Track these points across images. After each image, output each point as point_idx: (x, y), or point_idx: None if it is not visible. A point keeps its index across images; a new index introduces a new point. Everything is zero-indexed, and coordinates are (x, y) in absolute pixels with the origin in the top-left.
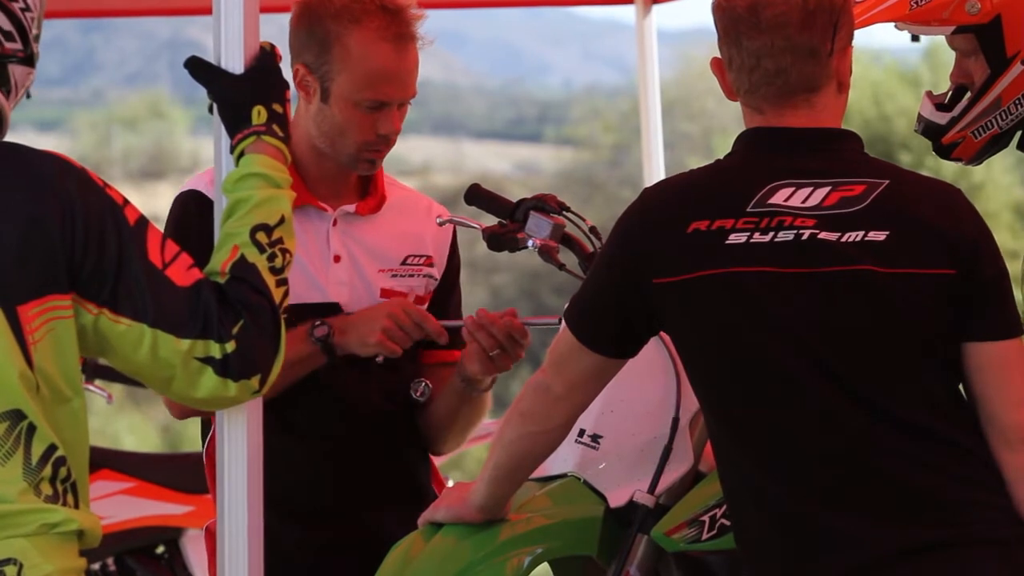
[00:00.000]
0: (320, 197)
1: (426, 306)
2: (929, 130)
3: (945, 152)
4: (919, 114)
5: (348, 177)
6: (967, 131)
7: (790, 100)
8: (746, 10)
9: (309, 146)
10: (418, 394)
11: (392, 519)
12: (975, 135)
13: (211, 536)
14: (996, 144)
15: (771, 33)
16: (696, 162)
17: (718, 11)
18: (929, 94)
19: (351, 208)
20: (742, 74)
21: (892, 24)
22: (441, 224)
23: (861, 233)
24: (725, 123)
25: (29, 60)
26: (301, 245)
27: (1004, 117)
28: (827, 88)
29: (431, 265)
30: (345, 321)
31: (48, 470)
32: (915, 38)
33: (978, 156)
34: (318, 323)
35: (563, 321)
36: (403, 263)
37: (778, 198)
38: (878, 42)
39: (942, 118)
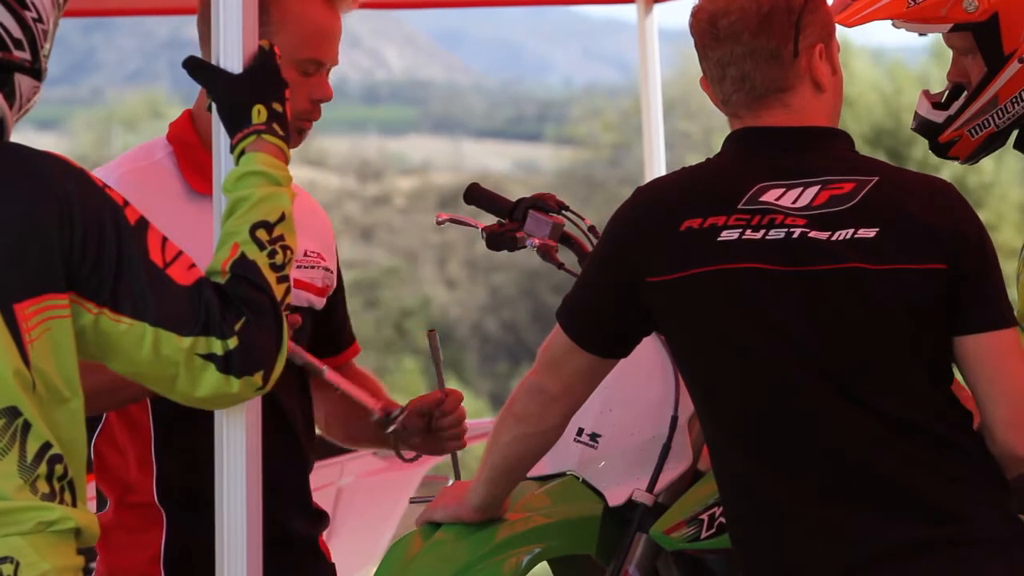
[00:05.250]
0: None
1: (325, 298)
2: (925, 128)
3: (941, 150)
4: (916, 112)
5: None
6: (963, 129)
7: (762, 103)
8: (707, 22)
9: None
10: (382, 416)
11: (295, 518)
12: (972, 133)
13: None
14: (992, 143)
15: (730, 42)
16: (696, 161)
17: (690, 28)
18: (926, 92)
19: None
20: (715, 85)
21: (890, 22)
22: (440, 224)
23: (851, 231)
24: (725, 122)
25: (36, 73)
26: (206, 236)
27: (1001, 116)
28: (800, 89)
29: (324, 260)
30: None
31: (44, 468)
32: (923, 32)
33: (974, 155)
34: None
35: (558, 323)
36: (304, 255)
37: (769, 197)
38: (886, 41)
39: (938, 116)
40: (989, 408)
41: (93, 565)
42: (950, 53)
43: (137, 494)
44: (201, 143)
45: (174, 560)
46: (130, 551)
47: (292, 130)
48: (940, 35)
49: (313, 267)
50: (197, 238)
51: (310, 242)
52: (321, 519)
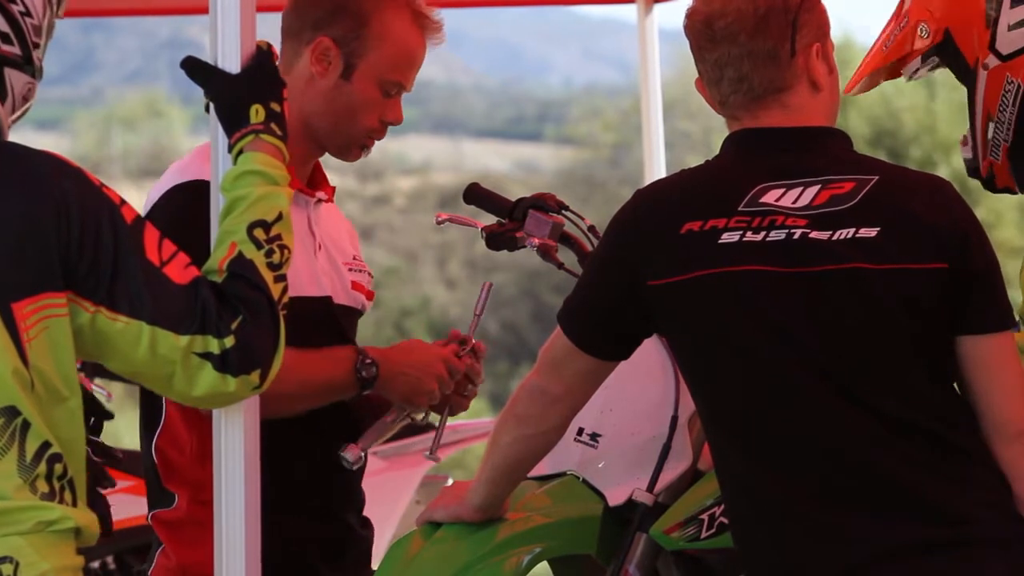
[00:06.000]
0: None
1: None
2: (971, 170)
3: (991, 185)
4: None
5: (314, 162)
6: (988, 157)
7: (760, 103)
8: (702, 24)
9: (298, 125)
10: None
11: (355, 518)
12: (994, 156)
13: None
14: (1022, 159)
15: (727, 42)
16: (696, 161)
17: (685, 30)
18: (963, 137)
19: (324, 195)
20: (712, 87)
21: (901, 79)
22: (440, 223)
23: (852, 230)
24: (724, 122)
25: (29, 68)
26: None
27: (1001, 128)
28: (797, 88)
29: (365, 266)
30: (392, 366)
31: (43, 467)
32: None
33: (1020, 177)
34: (368, 360)
35: (559, 325)
36: (354, 259)
37: (769, 198)
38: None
39: (968, 152)
40: (982, 409)
41: (94, 565)
42: None
43: (212, 491)
44: None
45: (261, 559)
46: (206, 546)
47: (355, 145)
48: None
49: (361, 271)
50: None
51: (354, 249)
52: (370, 525)
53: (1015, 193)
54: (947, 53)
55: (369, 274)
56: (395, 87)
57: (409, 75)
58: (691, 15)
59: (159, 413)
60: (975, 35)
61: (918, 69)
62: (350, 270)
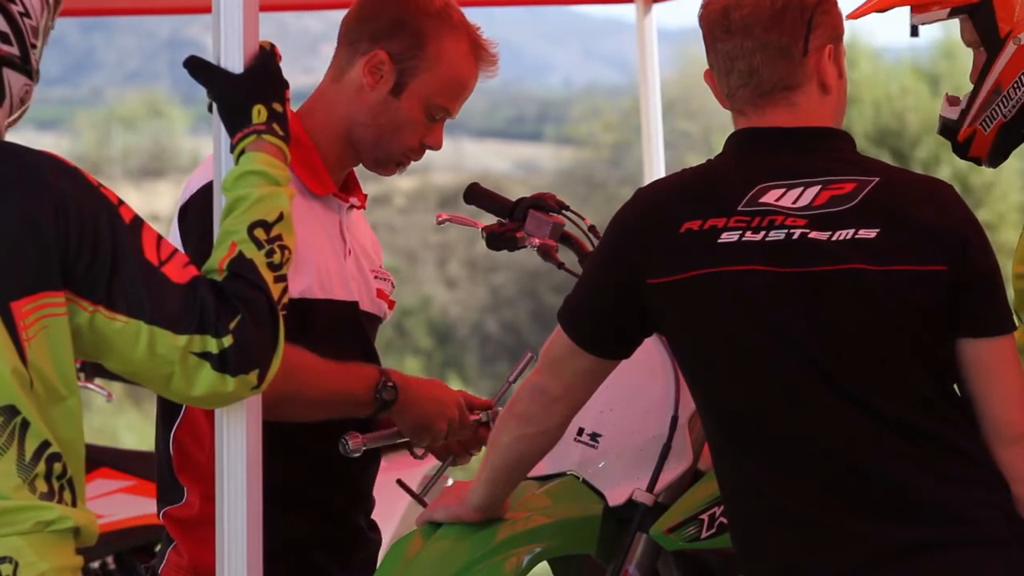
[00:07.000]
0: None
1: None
2: (945, 129)
3: (962, 151)
4: (939, 115)
5: (350, 169)
6: (976, 124)
7: (768, 100)
8: (719, 13)
9: (341, 131)
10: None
11: (365, 520)
12: (983, 127)
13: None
14: (1009, 138)
15: (741, 34)
16: (696, 161)
17: (700, 20)
18: (947, 95)
19: (356, 201)
20: (722, 78)
21: (908, 16)
22: (440, 223)
23: (851, 231)
24: (725, 122)
25: (27, 70)
26: (324, 237)
27: (1006, 104)
28: (806, 88)
29: (388, 275)
30: (412, 394)
31: (42, 467)
32: (914, 33)
33: (994, 154)
34: (390, 384)
35: (559, 325)
36: (380, 268)
37: (769, 198)
38: (892, 40)
39: (954, 112)
40: (981, 412)
41: (95, 565)
42: (961, 51)
43: None
44: (314, 144)
45: (271, 557)
46: None
47: (392, 161)
48: (949, 35)
49: (385, 279)
50: (316, 238)
51: (378, 258)
52: (377, 528)
53: (981, 165)
54: (981, 13)
55: (392, 283)
56: (441, 112)
57: (456, 102)
58: (708, 4)
59: (179, 404)
60: (1019, 7)
61: (937, 18)
62: (376, 277)
